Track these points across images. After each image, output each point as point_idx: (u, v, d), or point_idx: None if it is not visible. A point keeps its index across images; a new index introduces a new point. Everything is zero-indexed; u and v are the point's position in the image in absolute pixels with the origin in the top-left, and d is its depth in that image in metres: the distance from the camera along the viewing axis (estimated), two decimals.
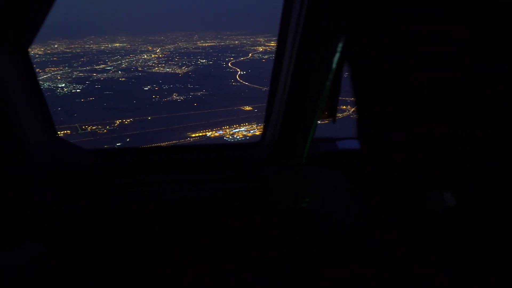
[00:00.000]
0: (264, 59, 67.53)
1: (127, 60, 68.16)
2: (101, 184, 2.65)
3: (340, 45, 2.03)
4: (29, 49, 2.22)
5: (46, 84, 47.99)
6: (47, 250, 2.52)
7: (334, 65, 2.13)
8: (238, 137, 36.58)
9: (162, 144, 30.03)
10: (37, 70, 2.34)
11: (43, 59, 64.89)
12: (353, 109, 34.26)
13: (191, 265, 2.84)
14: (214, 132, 37.54)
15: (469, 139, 1.37)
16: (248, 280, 2.80)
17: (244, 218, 2.76)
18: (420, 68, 1.41)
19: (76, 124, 36.85)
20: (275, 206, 2.74)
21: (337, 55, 2.08)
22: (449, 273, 1.75)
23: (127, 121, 39.08)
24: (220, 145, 2.85)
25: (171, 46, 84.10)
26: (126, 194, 2.66)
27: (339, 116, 2.54)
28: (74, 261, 2.67)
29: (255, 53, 73.10)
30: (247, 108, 42.74)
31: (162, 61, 66.94)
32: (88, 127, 37.13)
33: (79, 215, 2.61)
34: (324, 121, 2.52)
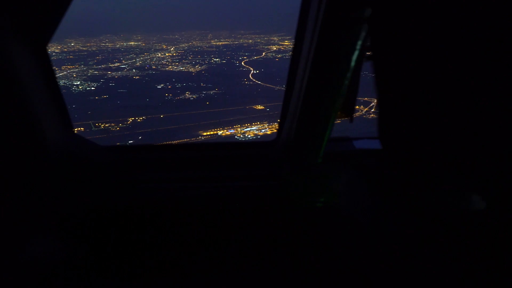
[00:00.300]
0: (277, 58, 67.39)
1: (141, 58, 68.85)
2: (115, 180, 2.67)
3: (359, 43, 1.99)
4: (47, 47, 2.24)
5: (61, 82, 48.83)
6: (60, 244, 2.54)
7: (352, 64, 2.09)
8: (249, 136, 36.55)
9: (174, 142, 30.24)
10: (53, 67, 2.36)
11: (60, 57, 66.09)
12: (366, 109, 34.06)
13: (197, 263, 2.83)
14: (225, 130, 37.60)
15: (498, 140, 1.32)
16: (262, 277, 2.78)
17: (260, 217, 2.74)
18: (446, 66, 1.36)
19: (90, 121, 37.38)
20: (291, 205, 2.72)
21: (356, 53, 2.04)
22: (467, 275, 1.70)
23: (140, 119, 39.47)
24: (235, 143, 2.83)
25: (185, 45, 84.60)
26: (139, 191, 2.67)
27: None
28: (85, 256, 2.70)
29: (269, 52, 72.93)
30: (259, 107, 42.72)
31: (176, 59, 67.44)
32: (101, 124, 37.62)
33: (92, 210, 2.63)
34: (338, 120, 2.48)
